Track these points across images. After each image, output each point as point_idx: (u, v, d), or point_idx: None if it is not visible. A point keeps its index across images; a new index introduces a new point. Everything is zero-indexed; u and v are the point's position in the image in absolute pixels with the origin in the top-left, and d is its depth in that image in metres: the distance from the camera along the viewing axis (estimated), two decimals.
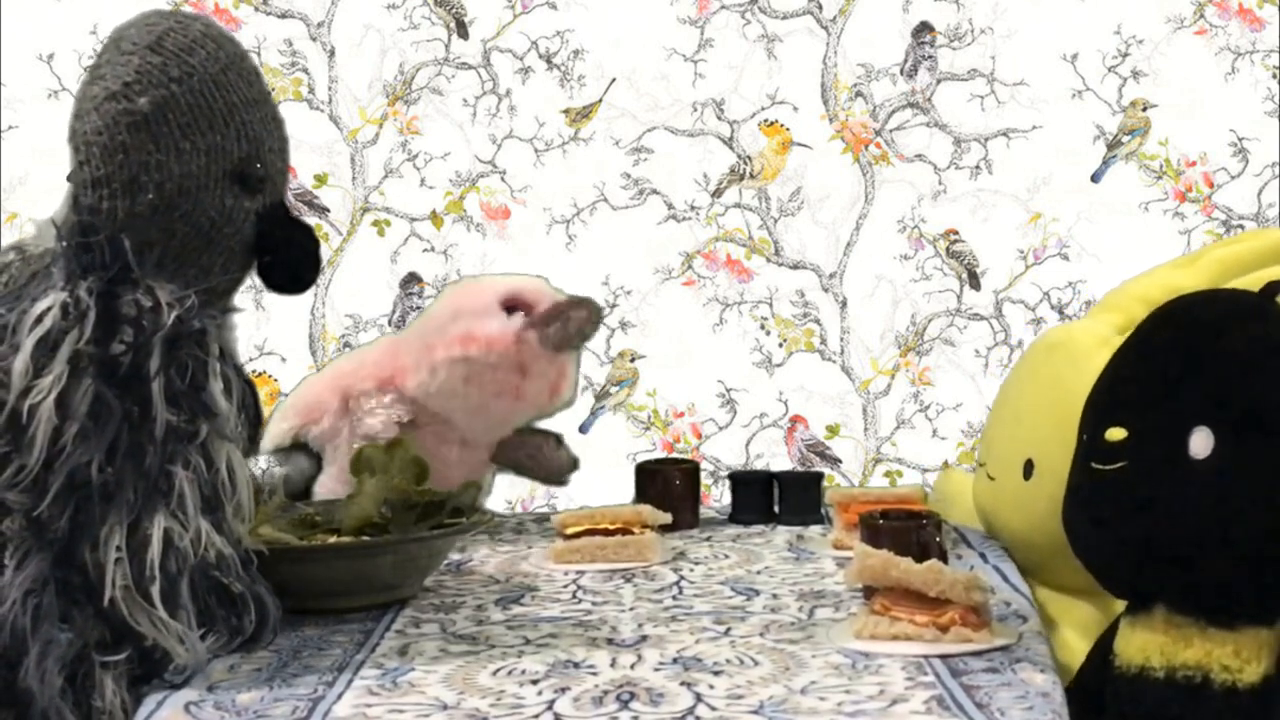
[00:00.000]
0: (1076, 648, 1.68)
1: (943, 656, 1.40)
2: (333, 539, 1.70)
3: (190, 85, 1.50)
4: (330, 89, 3.33)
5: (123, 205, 1.48)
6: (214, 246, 1.53)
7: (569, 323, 1.95)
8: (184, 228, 1.50)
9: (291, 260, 1.60)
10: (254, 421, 1.54)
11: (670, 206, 3.30)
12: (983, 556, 1.84)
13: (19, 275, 1.50)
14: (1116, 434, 1.45)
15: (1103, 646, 1.58)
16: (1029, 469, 1.82)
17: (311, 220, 3.32)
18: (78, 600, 1.38)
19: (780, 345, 3.30)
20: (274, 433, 2.02)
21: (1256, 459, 1.40)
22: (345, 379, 1.99)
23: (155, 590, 1.38)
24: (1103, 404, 1.51)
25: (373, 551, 1.65)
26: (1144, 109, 3.23)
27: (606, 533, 1.87)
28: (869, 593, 1.51)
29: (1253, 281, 1.80)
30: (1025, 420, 1.87)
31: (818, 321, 3.30)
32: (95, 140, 1.48)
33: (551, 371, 1.96)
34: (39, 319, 1.41)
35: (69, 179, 1.53)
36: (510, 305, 1.96)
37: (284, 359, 3.32)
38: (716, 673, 1.37)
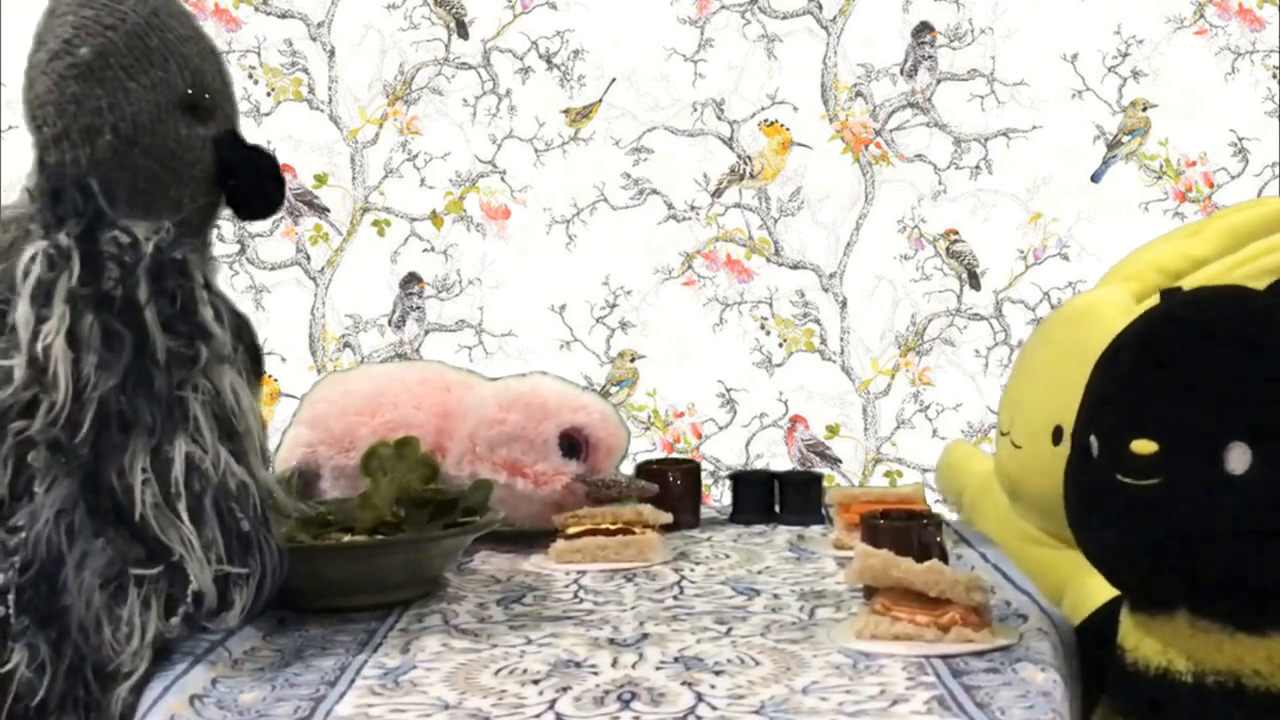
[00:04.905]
0: (1103, 598, 1.67)
1: (943, 656, 1.40)
2: (346, 538, 1.71)
3: (125, 29, 1.56)
4: (330, 89, 3.33)
5: (84, 153, 1.54)
6: (179, 178, 1.58)
7: (621, 493, 1.97)
8: (146, 163, 1.56)
9: (254, 180, 1.66)
10: (252, 348, 1.58)
11: (670, 206, 3.30)
12: (983, 556, 1.85)
13: (2, 242, 1.55)
14: (1146, 447, 1.39)
15: (1099, 630, 1.55)
16: (1058, 435, 1.85)
17: (311, 220, 3.33)
18: (110, 521, 1.43)
19: (780, 345, 3.30)
20: (293, 438, 2.02)
21: None
22: (386, 427, 1.95)
23: (182, 506, 1.42)
24: (1120, 410, 1.46)
25: (387, 550, 1.66)
26: (1144, 109, 3.23)
27: (608, 533, 1.88)
28: (870, 593, 1.51)
29: (1265, 249, 1.84)
30: (1053, 388, 1.88)
31: (818, 321, 3.30)
32: (48, 99, 1.55)
33: (584, 506, 1.96)
34: (26, 270, 1.46)
35: (34, 147, 1.58)
36: (570, 436, 1.96)
37: (284, 359, 3.32)
38: (717, 672, 1.37)
